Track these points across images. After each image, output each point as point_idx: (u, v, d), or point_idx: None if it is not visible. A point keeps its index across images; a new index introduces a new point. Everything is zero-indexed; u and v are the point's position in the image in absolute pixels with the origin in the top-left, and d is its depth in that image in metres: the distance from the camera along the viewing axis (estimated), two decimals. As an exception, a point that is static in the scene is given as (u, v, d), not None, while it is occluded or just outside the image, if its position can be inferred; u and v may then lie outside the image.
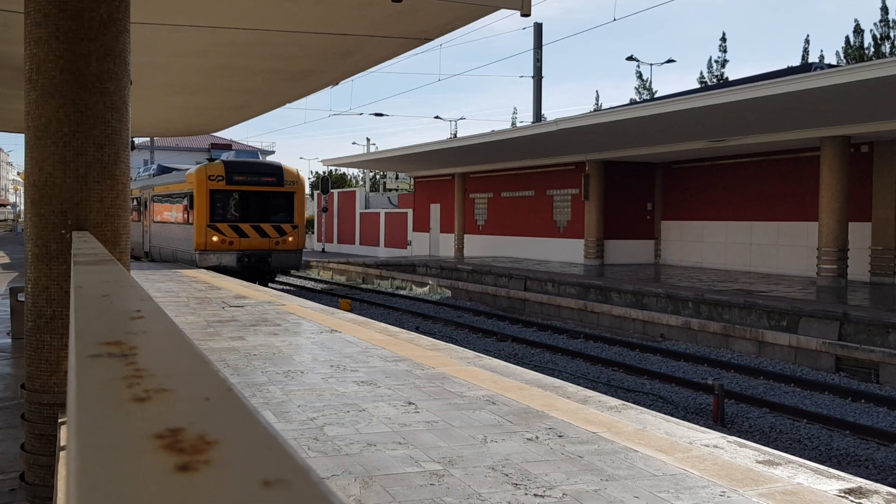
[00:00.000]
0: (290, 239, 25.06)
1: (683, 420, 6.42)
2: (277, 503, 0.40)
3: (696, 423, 6.57)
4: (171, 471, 0.45)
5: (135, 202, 32.53)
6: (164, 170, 32.68)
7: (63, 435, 5.57)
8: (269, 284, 25.81)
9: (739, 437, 6.44)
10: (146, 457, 0.48)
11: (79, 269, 2.04)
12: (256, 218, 24.70)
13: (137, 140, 49.01)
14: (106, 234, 6.31)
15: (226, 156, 27.22)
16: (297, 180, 25.50)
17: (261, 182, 24.90)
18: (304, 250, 26.79)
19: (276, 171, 25.39)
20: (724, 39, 58.42)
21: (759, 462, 5.14)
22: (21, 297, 9.92)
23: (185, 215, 25.35)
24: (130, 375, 0.69)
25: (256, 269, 24.68)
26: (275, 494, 0.41)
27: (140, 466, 0.46)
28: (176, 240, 26.53)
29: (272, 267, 24.99)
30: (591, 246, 29.28)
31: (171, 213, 27.60)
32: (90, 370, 0.72)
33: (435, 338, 12.77)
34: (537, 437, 5.65)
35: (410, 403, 6.64)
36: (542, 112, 34.28)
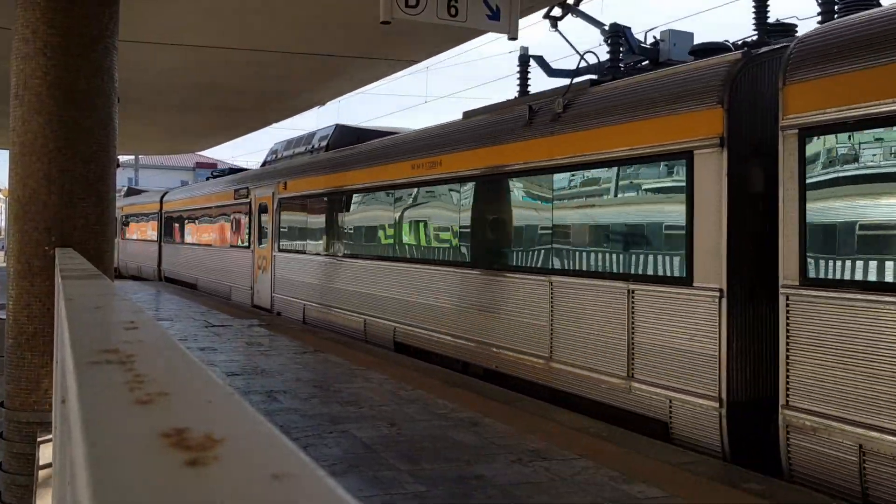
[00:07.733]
0: None
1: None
2: (288, 494, 0.41)
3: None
4: (180, 466, 0.46)
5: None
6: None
7: (42, 454, 5.51)
8: None
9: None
10: (155, 453, 0.49)
11: (68, 283, 2.03)
12: None
13: (122, 158, 48.75)
14: (90, 250, 6.27)
15: None
16: None
17: None
18: None
19: None
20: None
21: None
22: (1, 315, 9.79)
23: None
24: (131, 380, 0.70)
25: None
26: (285, 486, 0.42)
27: (149, 462, 0.47)
28: None
29: None
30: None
31: None
32: (91, 376, 0.73)
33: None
34: (520, 460, 5.64)
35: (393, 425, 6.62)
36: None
